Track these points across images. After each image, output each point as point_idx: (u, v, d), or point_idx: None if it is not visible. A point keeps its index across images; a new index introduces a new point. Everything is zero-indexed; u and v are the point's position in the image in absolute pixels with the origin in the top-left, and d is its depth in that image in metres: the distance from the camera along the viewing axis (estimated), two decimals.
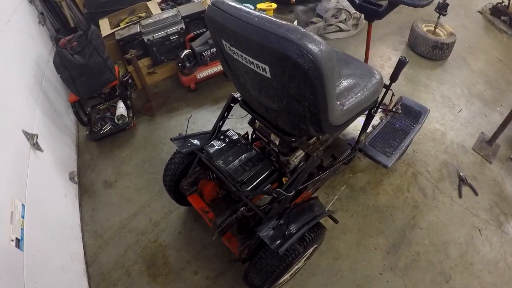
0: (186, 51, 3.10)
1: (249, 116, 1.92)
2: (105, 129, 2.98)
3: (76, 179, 2.69)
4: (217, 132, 2.04)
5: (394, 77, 1.84)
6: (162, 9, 3.25)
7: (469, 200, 2.62)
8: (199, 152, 1.97)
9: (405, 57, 1.73)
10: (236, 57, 1.32)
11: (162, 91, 3.53)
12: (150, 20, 3.02)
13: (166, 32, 3.06)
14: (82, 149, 3.03)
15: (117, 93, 3.05)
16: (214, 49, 3.20)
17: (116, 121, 2.98)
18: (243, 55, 1.26)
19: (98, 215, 2.60)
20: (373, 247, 2.39)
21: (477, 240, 2.43)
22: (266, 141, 1.96)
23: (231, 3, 1.24)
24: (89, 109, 3.08)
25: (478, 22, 4.71)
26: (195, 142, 2.03)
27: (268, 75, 1.22)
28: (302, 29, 1.07)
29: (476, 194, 2.62)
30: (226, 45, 1.32)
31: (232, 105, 1.98)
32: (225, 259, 2.30)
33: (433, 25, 3.70)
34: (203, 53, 3.17)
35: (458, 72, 3.78)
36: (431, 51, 3.52)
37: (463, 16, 4.80)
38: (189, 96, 3.46)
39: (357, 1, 2.07)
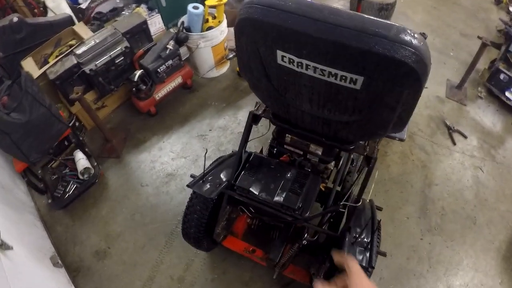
0: (138, 72, 2.79)
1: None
2: (69, 190, 2.63)
3: (60, 262, 2.25)
4: (243, 161, 1.86)
5: None
6: (93, 31, 2.78)
7: (462, 144, 3.01)
8: (228, 191, 1.80)
9: None
10: (300, 70, 1.17)
11: (118, 124, 3.16)
12: (84, 47, 2.61)
13: (110, 56, 2.72)
14: (50, 222, 2.64)
15: (72, 143, 2.61)
16: (170, 62, 2.93)
17: (81, 177, 2.60)
18: (320, 67, 1.11)
19: None
20: (405, 217, 2.63)
21: (482, 177, 2.81)
22: (302, 153, 1.93)
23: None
24: (39, 171, 2.55)
25: None
26: (218, 180, 1.83)
27: (357, 87, 1.12)
28: (400, 25, 0.98)
29: (465, 137, 3.01)
30: (285, 57, 1.16)
31: (254, 125, 1.84)
32: (278, 286, 2.28)
33: None
34: (158, 69, 2.90)
35: None
36: (377, 14, 3.75)
37: None
38: (151, 122, 3.17)
39: None
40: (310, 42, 1.04)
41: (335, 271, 1.78)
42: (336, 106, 1.30)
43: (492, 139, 3.09)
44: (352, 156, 2.19)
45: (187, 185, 1.80)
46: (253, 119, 1.78)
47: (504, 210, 2.66)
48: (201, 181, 1.81)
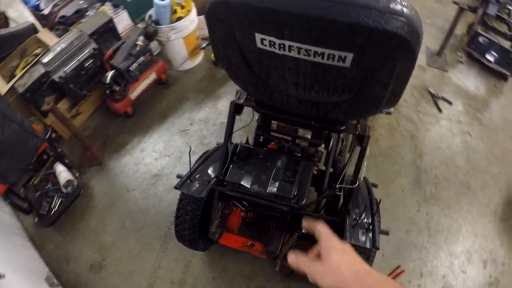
0: (109, 74, 2.68)
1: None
2: (55, 206, 2.52)
3: (55, 281, 2.16)
4: (230, 153, 1.79)
5: None
6: (59, 36, 2.65)
7: (448, 111, 3.01)
8: (218, 187, 1.74)
9: None
10: (282, 52, 1.09)
11: (95, 130, 3.06)
12: (51, 54, 2.49)
13: (79, 60, 2.59)
14: (39, 241, 2.53)
15: (50, 156, 2.50)
16: (142, 59, 2.82)
17: (64, 190, 2.50)
18: (305, 47, 1.03)
19: None
20: (400, 190, 2.63)
21: (471, 142, 2.83)
22: (290, 139, 1.89)
23: None
24: (21, 190, 2.44)
25: None
26: (206, 177, 1.77)
27: (347, 64, 1.05)
28: None
29: (450, 103, 3.00)
30: (265, 40, 1.07)
31: (237, 115, 1.76)
32: (281, 275, 2.25)
33: None
34: (130, 68, 2.80)
35: None
36: None
37: None
38: (129, 124, 3.07)
39: None
40: (292, 20, 0.96)
41: None
42: (324, 87, 1.23)
43: (476, 102, 3.09)
44: (341, 135, 2.16)
45: (175, 187, 1.72)
46: (236, 109, 1.69)
47: (497, 172, 2.68)
48: (188, 181, 1.73)
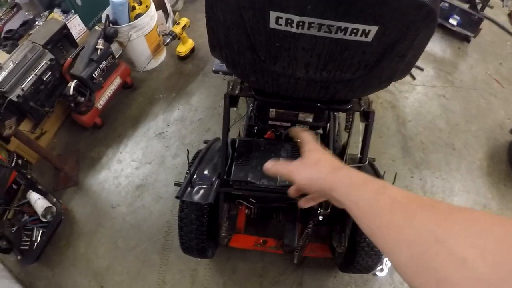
0: (71, 84, 2.47)
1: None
2: (36, 239, 2.29)
3: None
4: (232, 151, 1.68)
5: None
6: (9, 52, 2.38)
7: (421, 77, 3.13)
8: (224, 188, 1.64)
9: None
10: (300, 31, 1.02)
11: (65, 148, 2.83)
12: (4, 73, 2.23)
13: (35, 74, 2.34)
14: (27, 280, 2.29)
15: (21, 184, 2.23)
16: (104, 64, 2.63)
17: (44, 219, 2.29)
18: (328, 23, 0.97)
19: None
20: (391, 160, 2.68)
21: (448, 104, 2.97)
22: (289, 125, 1.80)
23: None
24: None
25: None
26: (207, 180, 1.66)
27: (369, 39, 1.01)
28: None
29: (421, 69, 3.12)
30: (281, 18, 0.99)
31: (234, 108, 1.64)
32: (293, 266, 2.20)
33: None
34: (93, 75, 2.59)
35: None
36: None
37: None
38: (100, 135, 2.86)
39: None
40: None
41: (356, 235, 1.74)
42: (338, 66, 1.17)
43: (446, 65, 3.21)
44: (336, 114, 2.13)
45: (176, 197, 1.59)
46: (231, 101, 1.57)
47: (475, 129, 2.81)
48: (190, 188, 1.61)
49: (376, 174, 1.76)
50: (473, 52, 3.30)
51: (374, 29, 0.97)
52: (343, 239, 1.74)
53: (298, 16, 0.96)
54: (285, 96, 1.46)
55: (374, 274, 2.13)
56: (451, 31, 3.33)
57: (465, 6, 3.24)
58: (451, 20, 3.21)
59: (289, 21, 0.99)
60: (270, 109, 1.70)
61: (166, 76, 3.25)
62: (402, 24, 0.97)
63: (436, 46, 3.36)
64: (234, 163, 1.62)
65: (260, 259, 2.21)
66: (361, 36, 1.00)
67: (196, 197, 1.58)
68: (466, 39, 3.31)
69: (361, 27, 0.97)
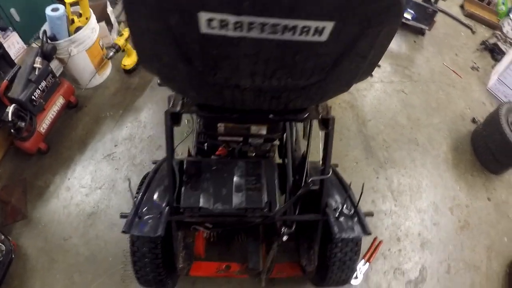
0: (10, 109, 2.28)
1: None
2: None
3: None
4: (180, 174, 1.55)
5: None
6: None
7: (378, 74, 3.15)
8: (175, 217, 1.51)
9: None
10: (238, 34, 0.89)
11: (9, 178, 2.64)
12: None
13: None
14: None
15: None
16: (44, 84, 2.49)
17: None
18: (272, 21, 0.85)
19: None
20: (354, 162, 2.65)
21: (407, 99, 2.97)
22: (241, 139, 1.69)
23: None
24: None
25: None
26: (156, 209, 1.50)
27: (323, 38, 0.89)
28: None
29: (379, 66, 3.14)
30: (213, 20, 0.85)
31: (176, 126, 1.48)
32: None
33: None
34: (32, 97, 2.41)
35: None
36: None
37: None
38: (47, 161, 2.68)
39: None
40: None
41: (326, 250, 1.63)
42: (289, 72, 1.04)
43: (402, 60, 3.22)
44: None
45: (123, 231, 1.40)
46: (173, 119, 1.42)
47: (437, 122, 2.82)
48: (136, 219, 1.44)
49: (341, 183, 1.67)
50: (429, 45, 3.34)
51: (329, 25, 0.85)
52: (312, 257, 1.65)
53: (234, 15, 0.83)
54: (233, 109, 1.34)
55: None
56: (406, 25, 3.36)
57: (419, 0, 3.28)
58: (405, 14, 3.23)
59: (224, 23, 0.85)
60: (219, 124, 1.56)
61: (113, 92, 3.09)
62: (362, 18, 0.85)
63: (391, 41, 3.35)
64: (183, 188, 1.49)
65: (228, 282, 2.09)
66: (313, 35, 0.88)
67: (145, 229, 1.42)
68: (421, 33, 3.34)
69: (313, 24, 0.85)
